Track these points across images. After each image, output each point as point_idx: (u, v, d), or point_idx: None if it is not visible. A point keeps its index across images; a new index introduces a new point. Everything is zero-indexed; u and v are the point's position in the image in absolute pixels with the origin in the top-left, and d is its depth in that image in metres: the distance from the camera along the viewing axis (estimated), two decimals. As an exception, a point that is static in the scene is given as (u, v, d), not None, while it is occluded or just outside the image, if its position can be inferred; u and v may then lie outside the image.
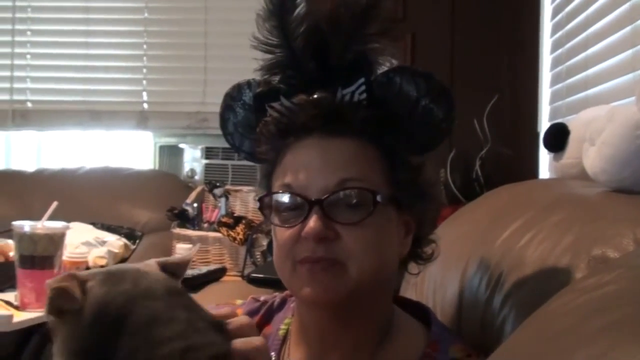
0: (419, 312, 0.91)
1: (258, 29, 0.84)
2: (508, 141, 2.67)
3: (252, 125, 0.87)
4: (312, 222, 0.76)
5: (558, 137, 1.21)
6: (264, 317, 0.95)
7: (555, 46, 2.08)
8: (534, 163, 2.31)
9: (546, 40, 2.24)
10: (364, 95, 0.80)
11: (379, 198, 0.77)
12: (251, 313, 0.95)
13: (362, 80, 0.80)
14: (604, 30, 1.61)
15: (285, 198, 0.80)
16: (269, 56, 0.85)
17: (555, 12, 2.10)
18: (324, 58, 0.82)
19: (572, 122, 1.22)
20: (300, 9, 0.83)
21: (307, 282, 0.78)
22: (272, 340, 0.91)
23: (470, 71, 2.90)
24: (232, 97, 0.90)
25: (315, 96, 0.81)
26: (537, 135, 2.31)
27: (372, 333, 0.84)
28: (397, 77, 0.82)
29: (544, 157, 2.21)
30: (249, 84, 0.89)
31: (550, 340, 0.48)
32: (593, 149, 0.94)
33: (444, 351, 0.83)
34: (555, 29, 2.09)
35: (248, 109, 0.89)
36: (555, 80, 2.08)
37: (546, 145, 1.25)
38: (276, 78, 0.86)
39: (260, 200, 0.84)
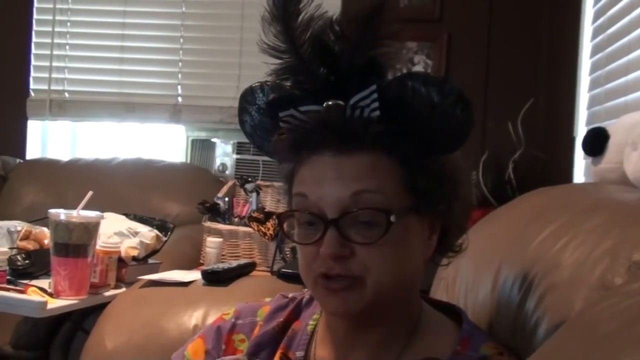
0: (451, 312, 0.91)
1: (264, 32, 0.83)
2: (542, 145, 2.64)
3: (269, 129, 0.87)
4: (328, 242, 0.77)
5: (597, 142, 1.20)
6: (293, 313, 0.96)
7: (595, 50, 2.05)
8: (568, 167, 2.28)
9: (586, 44, 2.21)
10: (376, 104, 0.78)
11: (392, 218, 0.77)
12: (279, 309, 0.96)
13: (374, 87, 0.78)
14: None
15: (302, 216, 0.81)
16: (279, 60, 0.84)
17: (596, 16, 2.07)
18: (334, 64, 0.81)
19: (612, 126, 1.21)
20: (304, 15, 0.82)
21: (327, 297, 0.80)
22: (301, 336, 0.92)
23: (506, 73, 2.88)
24: (247, 101, 0.89)
25: (325, 108, 0.80)
26: (572, 139, 2.28)
27: (399, 332, 0.85)
28: (410, 82, 0.80)
29: (579, 161, 2.18)
30: (262, 87, 0.88)
31: (595, 344, 0.47)
32: (635, 154, 0.93)
33: (475, 349, 0.83)
34: (596, 33, 2.05)
35: (263, 113, 0.88)
36: (594, 84, 2.05)
37: (585, 150, 1.24)
38: (288, 82, 0.85)
39: (278, 217, 0.85)
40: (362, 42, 0.80)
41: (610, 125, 1.23)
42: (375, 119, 0.79)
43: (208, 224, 2.25)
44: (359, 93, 0.79)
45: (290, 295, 0.99)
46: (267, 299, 1.01)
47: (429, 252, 0.85)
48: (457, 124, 0.80)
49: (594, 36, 2.08)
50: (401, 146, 0.79)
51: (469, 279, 1.11)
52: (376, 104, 0.78)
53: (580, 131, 2.21)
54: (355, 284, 0.78)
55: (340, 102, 0.80)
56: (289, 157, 0.85)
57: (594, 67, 2.05)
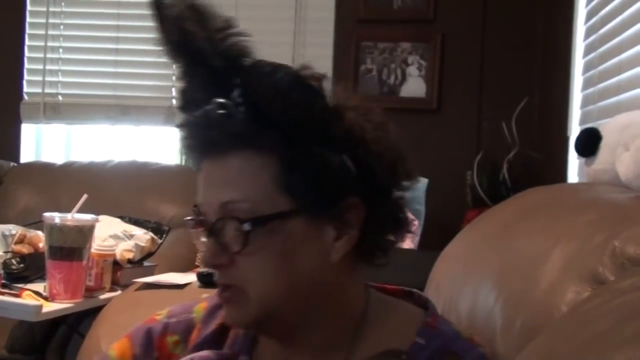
0: (417, 300, 0.86)
1: None
2: (536, 145, 2.65)
3: None
4: (205, 251, 0.76)
5: (590, 142, 1.20)
6: None
7: (588, 50, 2.06)
8: (562, 167, 2.29)
9: (579, 44, 2.22)
10: (240, 100, 0.73)
11: (246, 226, 0.72)
12: (218, 307, 0.88)
13: (237, 80, 0.74)
14: (639, 35, 1.59)
15: (194, 223, 0.79)
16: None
17: (589, 16, 2.08)
18: (209, 65, 0.76)
19: (605, 127, 1.21)
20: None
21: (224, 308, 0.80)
22: (244, 340, 0.86)
23: (500, 73, 2.89)
24: None
25: (191, 120, 0.77)
26: (566, 139, 2.29)
27: (341, 329, 0.80)
28: (256, 71, 0.74)
29: (573, 161, 2.19)
30: None
31: (587, 341, 0.48)
32: (627, 154, 0.93)
33: (446, 324, 0.81)
34: (589, 32, 2.06)
35: None
36: (586, 84, 2.05)
37: (577, 150, 1.24)
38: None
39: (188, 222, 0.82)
40: (211, 38, 0.75)
41: (602, 126, 1.23)
42: (235, 113, 0.73)
43: (203, 226, 2.25)
44: (235, 90, 0.74)
45: None
46: (204, 296, 0.96)
47: (337, 255, 0.77)
48: (301, 106, 0.73)
49: (587, 36, 2.09)
50: (261, 140, 0.74)
51: (459, 276, 1.11)
52: (241, 99, 0.73)
53: (574, 130, 2.22)
54: (238, 295, 0.76)
55: (210, 106, 0.75)
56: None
57: (587, 67, 2.06)
